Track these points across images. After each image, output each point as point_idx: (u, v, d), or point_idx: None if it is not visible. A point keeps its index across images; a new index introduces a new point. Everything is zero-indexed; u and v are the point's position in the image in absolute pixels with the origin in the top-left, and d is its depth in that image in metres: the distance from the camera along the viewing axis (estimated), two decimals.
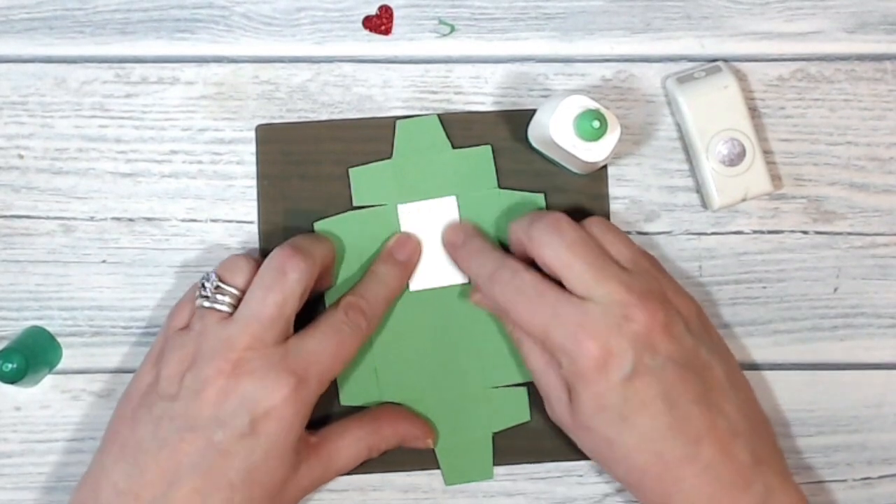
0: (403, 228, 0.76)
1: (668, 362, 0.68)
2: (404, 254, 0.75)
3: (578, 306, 0.68)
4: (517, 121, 0.76)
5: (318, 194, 0.76)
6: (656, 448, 0.67)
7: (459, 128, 0.76)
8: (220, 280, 0.71)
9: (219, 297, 0.70)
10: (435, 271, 0.76)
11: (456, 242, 0.75)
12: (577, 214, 0.76)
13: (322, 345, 0.70)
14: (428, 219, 0.76)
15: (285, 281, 0.69)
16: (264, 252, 0.75)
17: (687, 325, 0.69)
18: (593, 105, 0.71)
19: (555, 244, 0.69)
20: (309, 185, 0.76)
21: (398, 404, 0.76)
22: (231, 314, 0.70)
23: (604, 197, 0.76)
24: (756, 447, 0.68)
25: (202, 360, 0.69)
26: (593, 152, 0.71)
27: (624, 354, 0.67)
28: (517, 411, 0.76)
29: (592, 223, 0.72)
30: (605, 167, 0.76)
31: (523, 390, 0.76)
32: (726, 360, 0.71)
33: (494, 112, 0.77)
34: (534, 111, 0.75)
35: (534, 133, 0.75)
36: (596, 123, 0.70)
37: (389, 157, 0.76)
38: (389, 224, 0.76)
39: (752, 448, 0.68)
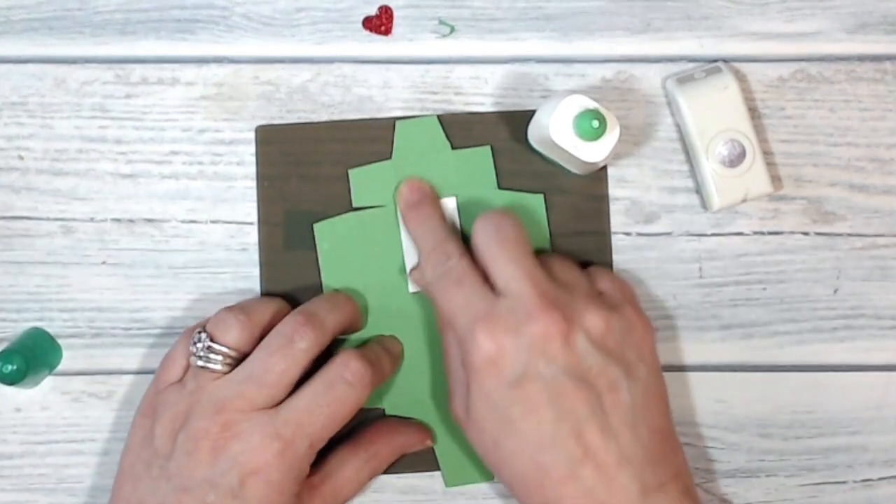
0: (403, 230, 0.75)
1: (563, 373, 0.67)
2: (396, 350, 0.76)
3: (488, 300, 0.68)
4: (517, 121, 0.76)
5: (319, 195, 0.76)
6: (539, 458, 0.67)
7: (459, 128, 0.76)
8: (212, 339, 0.70)
9: (211, 356, 0.70)
10: None
11: (410, 201, 0.75)
12: (578, 215, 0.76)
13: (313, 406, 0.69)
14: None
15: (291, 349, 0.69)
16: (265, 259, 0.76)
17: (595, 340, 0.68)
18: (592, 105, 0.71)
19: (489, 235, 0.70)
20: (309, 185, 0.76)
21: (389, 417, 0.76)
22: (226, 373, 0.70)
23: (603, 198, 0.76)
24: (647, 478, 0.67)
25: (194, 420, 0.69)
26: (593, 152, 0.71)
27: (516, 355, 0.67)
28: None
29: (550, 256, 0.74)
30: (604, 168, 0.76)
31: None
32: (645, 387, 0.69)
33: (494, 112, 0.77)
34: (533, 112, 0.75)
35: (533, 133, 0.75)
36: (595, 123, 0.70)
37: (389, 158, 0.76)
38: (389, 225, 0.76)
39: (641, 478, 0.67)
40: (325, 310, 0.72)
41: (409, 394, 0.76)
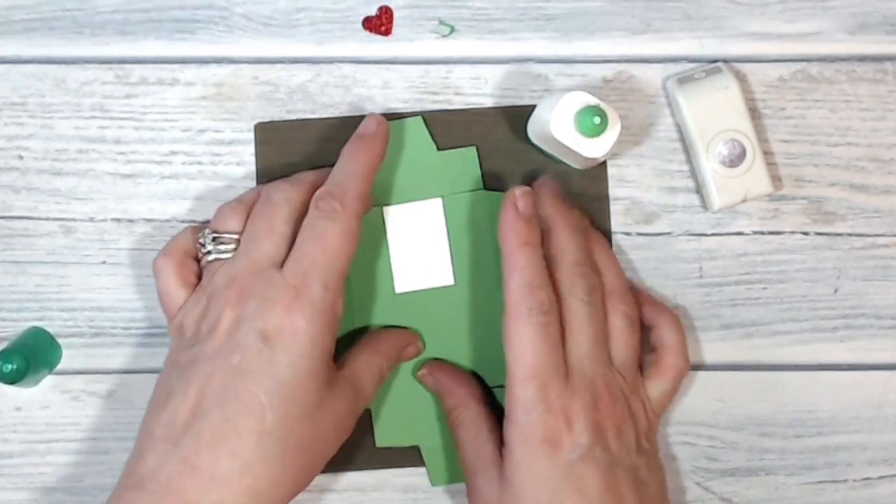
0: (389, 231, 0.76)
1: (615, 462, 0.69)
2: (370, 128, 0.73)
3: (565, 374, 0.70)
4: (515, 117, 0.76)
5: None
6: None
7: (457, 126, 0.76)
8: (215, 231, 0.71)
9: (220, 246, 0.71)
10: (420, 273, 0.76)
11: (520, 232, 0.72)
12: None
13: (306, 247, 0.69)
14: (414, 221, 0.76)
15: (269, 203, 0.70)
16: None
17: (637, 438, 0.71)
18: (594, 101, 0.71)
19: (587, 309, 0.71)
20: None
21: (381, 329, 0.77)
22: None
23: (604, 199, 0.76)
24: None
25: (213, 301, 0.69)
26: (594, 148, 0.71)
27: (581, 435, 0.68)
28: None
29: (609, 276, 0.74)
30: (604, 165, 0.76)
31: None
32: (660, 482, 0.72)
33: (493, 109, 0.76)
34: (532, 107, 0.75)
35: (533, 129, 0.75)
36: (597, 119, 0.70)
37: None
38: (375, 227, 0.76)
39: None
40: (305, 172, 0.74)
41: (398, 395, 0.76)
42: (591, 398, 0.69)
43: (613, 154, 0.77)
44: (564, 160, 0.75)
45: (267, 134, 0.76)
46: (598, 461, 0.68)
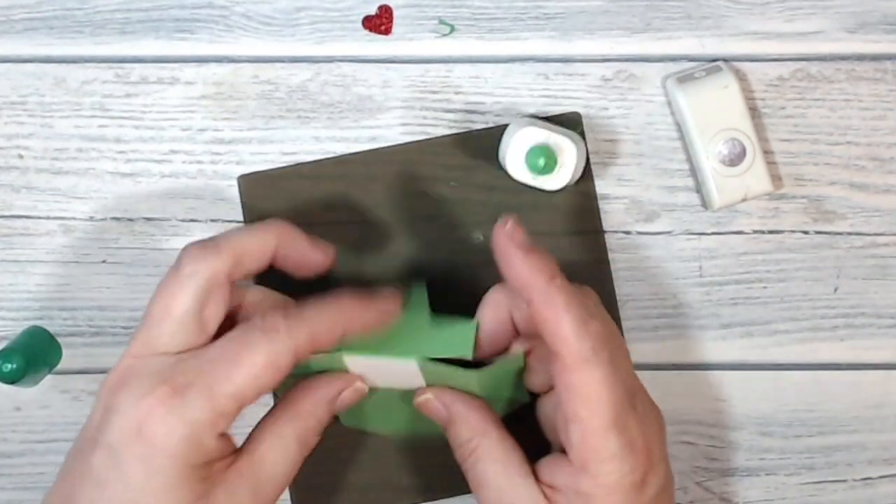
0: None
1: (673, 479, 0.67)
2: (384, 302, 0.67)
3: (633, 407, 0.64)
4: (495, 138, 0.75)
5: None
6: None
7: (441, 153, 0.76)
8: None
9: None
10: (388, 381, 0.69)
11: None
12: (569, 216, 0.76)
13: (219, 352, 0.61)
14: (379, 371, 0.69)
15: (177, 277, 0.63)
16: None
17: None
18: (542, 139, 0.71)
19: (596, 310, 0.65)
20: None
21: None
22: None
23: (592, 196, 0.76)
24: None
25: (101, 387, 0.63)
26: (553, 181, 0.72)
27: (659, 466, 0.64)
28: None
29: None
30: (589, 168, 0.76)
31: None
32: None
33: (473, 132, 0.76)
34: (505, 126, 0.74)
35: (501, 162, 0.74)
36: (541, 161, 0.70)
37: (376, 192, 0.75)
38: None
39: None
40: (230, 234, 0.66)
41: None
42: (654, 421, 0.65)
43: (613, 154, 0.77)
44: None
45: (251, 187, 0.76)
46: (669, 488, 0.65)
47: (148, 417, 0.60)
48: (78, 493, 0.61)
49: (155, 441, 0.60)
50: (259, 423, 0.66)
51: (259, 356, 0.61)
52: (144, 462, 0.60)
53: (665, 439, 0.67)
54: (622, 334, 0.76)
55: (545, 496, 0.63)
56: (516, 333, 0.69)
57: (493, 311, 0.68)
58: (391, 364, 0.67)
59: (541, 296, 0.63)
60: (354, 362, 0.67)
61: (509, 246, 0.64)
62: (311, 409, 0.65)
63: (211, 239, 0.65)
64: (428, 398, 0.67)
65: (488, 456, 0.65)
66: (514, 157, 0.72)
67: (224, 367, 0.61)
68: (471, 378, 0.67)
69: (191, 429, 0.60)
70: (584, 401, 0.62)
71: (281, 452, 0.63)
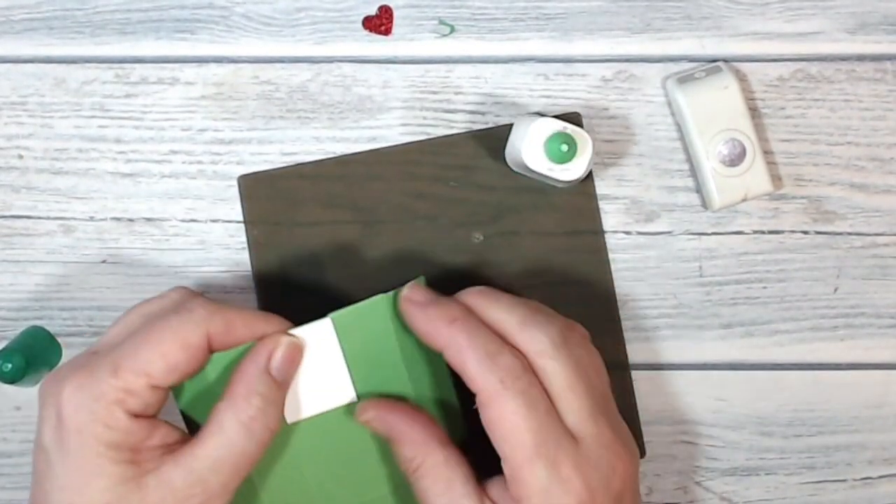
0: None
1: None
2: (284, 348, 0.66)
3: (571, 440, 0.62)
4: (495, 138, 0.76)
5: (310, 239, 0.76)
6: None
7: (441, 153, 0.76)
8: None
9: None
10: (315, 397, 0.67)
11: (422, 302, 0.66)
12: (569, 216, 0.76)
13: (135, 333, 0.63)
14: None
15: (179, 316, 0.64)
16: (261, 306, 0.75)
17: None
18: (561, 127, 0.71)
19: (562, 360, 0.64)
20: (299, 229, 0.76)
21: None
22: None
23: (592, 196, 0.76)
24: None
25: None
26: (570, 172, 0.71)
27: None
28: None
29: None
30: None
31: None
32: None
33: (473, 132, 0.76)
34: (509, 126, 0.74)
35: (510, 157, 0.75)
36: (564, 147, 0.70)
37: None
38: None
39: None
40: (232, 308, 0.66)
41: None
42: (608, 464, 0.63)
43: (613, 154, 0.77)
44: (546, 181, 0.75)
45: (251, 186, 0.76)
46: None
47: (62, 401, 0.60)
48: (32, 497, 0.62)
49: (67, 422, 0.60)
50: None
51: (167, 332, 0.62)
52: (62, 445, 0.60)
53: (624, 484, 0.64)
54: (622, 334, 0.77)
55: None
56: None
57: (436, 322, 0.66)
58: (307, 331, 0.66)
59: (445, 340, 0.63)
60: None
61: (409, 307, 0.65)
62: (246, 388, 0.63)
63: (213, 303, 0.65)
64: (369, 418, 0.66)
65: (431, 474, 0.64)
66: (532, 147, 0.71)
67: (132, 344, 0.62)
68: (374, 307, 0.67)
69: (96, 404, 0.60)
70: (502, 435, 0.62)
71: (222, 440, 0.62)
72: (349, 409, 0.68)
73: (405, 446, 0.65)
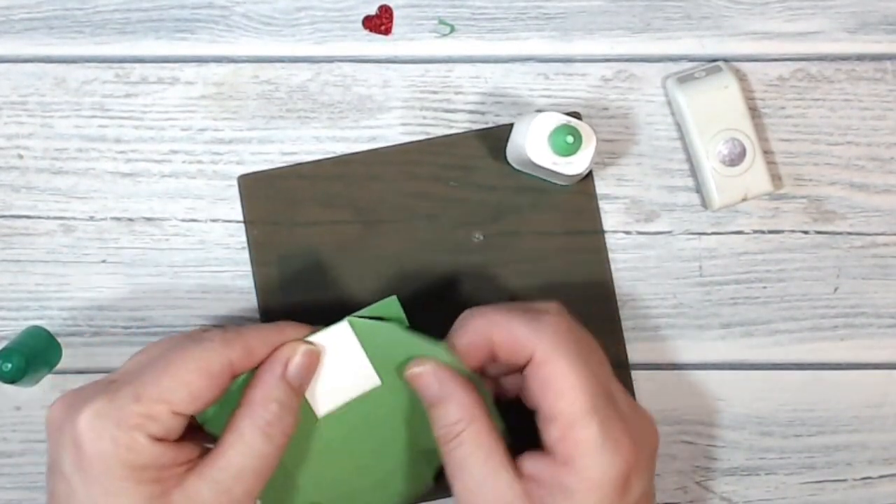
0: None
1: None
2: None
3: (615, 404, 0.63)
4: (495, 137, 0.76)
5: (310, 238, 0.76)
6: None
7: (441, 153, 0.76)
8: None
9: None
10: (341, 388, 0.69)
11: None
12: (569, 215, 0.76)
13: (154, 362, 0.63)
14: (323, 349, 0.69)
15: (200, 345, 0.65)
16: (261, 303, 0.76)
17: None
18: (565, 120, 0.71)
19: (560, 313, 0.66)
20: (299, 228, 0.76)
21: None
22: None
23: (592, 195, 0.76)
24: None
25: None
26: (573, 165, 0.71)
27: (644, 471, 0.63)
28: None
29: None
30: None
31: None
32: None
33: (473, 132, 0.76)
34: (510, 125, 0.74)
35: (512, 154, 0.75)
36: (570, 138, 0.70)
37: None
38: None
39: None
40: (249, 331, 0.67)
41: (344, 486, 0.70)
42: (644, 430, 0.65)
43: (613, 154, 0.77)
44: (548, 179, 0.75)
45: (250, 185, 0.76)
46: (652, 496, 0.64)
47: (80, 428, 0.61)
48: None
49: (88, 448, 0.61)
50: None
51: (190, 362, 0.63)
52: (84, 470, 0.61)
53: (654, 456, 0.66)
54: (622, 334, 0.77)
55: (524, 490, 0.63)
56: (492, 359, 0.68)
57: (469, 335, 0.67)
58: (331, 346, 0.67)
59: (489, 319, 0.65)
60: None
61: (463, 337, 0.66)
62: (263, 395, 0.64)
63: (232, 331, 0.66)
64: (423, 370, 0.66)
65: (473, 441, 0.64)
66: (536, 141, 0.71)
67: (153, 372, 0.62)
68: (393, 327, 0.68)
69: (118, 429, 0.61)
70: (557, 392, 0.62)
71: (242, 448, 0.63)
72: (375, 394, 0.68)
73: (451, 407, 0.65)
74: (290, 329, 0.67)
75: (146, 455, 0.61)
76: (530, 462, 0.64)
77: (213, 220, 0.77)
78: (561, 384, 0.62)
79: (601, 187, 0.77)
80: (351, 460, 0.69)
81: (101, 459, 0.60)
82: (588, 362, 0.64)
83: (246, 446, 0.63)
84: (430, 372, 0.66)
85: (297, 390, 0.66)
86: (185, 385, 0.62)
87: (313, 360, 0.66)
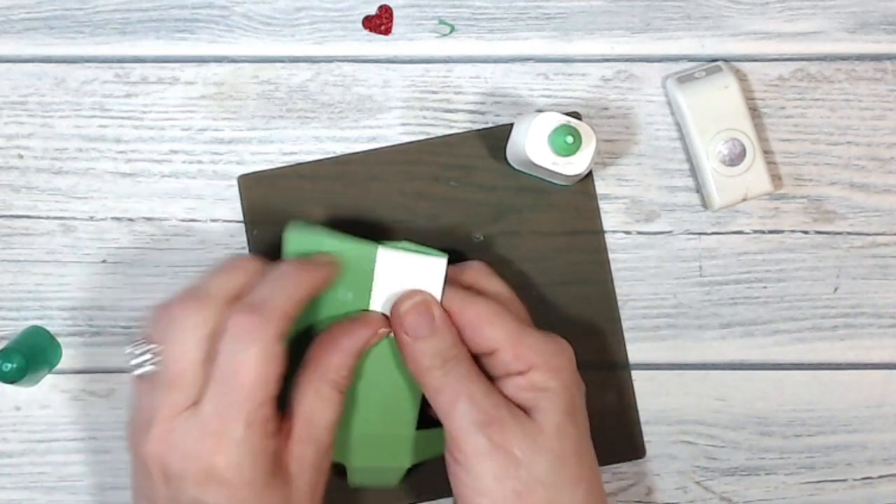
0: (378, 275, 0.70)
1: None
2: (320, 260, 0.69)
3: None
4: (495, 137, 0.76)
5: None
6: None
7: (441, 153, 0.76)
8: (143, 339, 0.66)
9: (138, 356, 0.65)
10: None
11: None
12: (569, 215, 0.76)
13: (224, 379, 0.63)
14: (408, 274, 0.70)
15: (176, 330, 0.64)
16: None
17: None
18: (565, 120, 0.71)
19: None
20: None
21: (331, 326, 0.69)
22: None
23: (592, 196, 0.76)
24: None
25: (134, 442, 0.65)
26: (574, 166, 0.71)
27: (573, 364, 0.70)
28: (436, 447, 0.72)
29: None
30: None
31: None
32: None
33: (473, 132, 0.76)
34: (510, 125, 0.74)
35: (512, 154, 0.75)
36: (570, 139, 0.70)
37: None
38: (363, 266, 0.70)
39: None
40: (213, 279, 0.66)
41: (364, 437, 0.72)
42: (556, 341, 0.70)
43: (613, 154, 0.77)
44: (548, 179, 0.75)
45: (250, 185, 0.76)
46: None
47: (214, 459, 0.63)
48: None
49: (223, 486, 0.63)
50: (295, 386, 0.67)
51: (257, 365, 0.63)
52: (228, 487, 0.63)
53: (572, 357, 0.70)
54: (622, 334, 0.77)
55: (509, 401, 0.67)
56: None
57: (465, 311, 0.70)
58: (420, 261, 0.69)
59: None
60: (385, 257, 0.69)
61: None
62: (339, 361, 0.67)
63: (196, 287, 0.66)
64: (422, 300, 0.69)
65: (467, 360, 0.68)
66: (536, 141, 0.71)
67: (238, 394, 0.63)
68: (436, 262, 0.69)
69: (247, 462, 0.63)
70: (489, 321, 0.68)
71: (324, 406, 0.66)
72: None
73: (447, 335, 0.68)
74: (311, 279, 0.68)
75: (269, 453, 0.64)
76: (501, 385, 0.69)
77: (213, 220, 0.77)
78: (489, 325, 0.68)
79: (601, 187, 0.77)
80: (361, 394, 0.71)
81: (241, 471, 0.63)
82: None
83: (330, 403, 0.66)
84: (431, 302, 0.69)
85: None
86: (267, 381, 0.64)
87: (384, 335, 0.69)
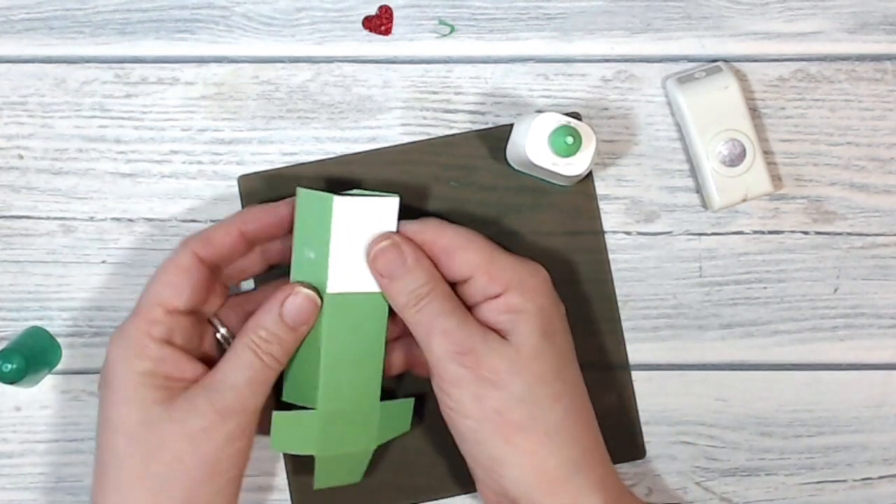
0: (335, 224, 0.70)
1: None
2: (279, 205, 0.73)
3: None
4: (495, 137, 0.76)
5: None
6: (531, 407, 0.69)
7: (441, 153, 0.76)
8: None
9: None
10: (358, 275, 0.71)
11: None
12: (569, 216, 0.76)
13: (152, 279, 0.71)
14: (364, 218, 0.71)
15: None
16: None
17: None
18: (565, 121, 0.71)
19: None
20: None
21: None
22: None
23: (592, 196, 0.76)
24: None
25: None
26: (574, 166, 0.71)
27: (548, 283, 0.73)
28: (401, 423, 0.75)
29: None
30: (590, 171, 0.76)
31: (409, 402, 0.75)
32: None
33: (473, 132, 0.76)
34: (510, 125, 0.74)
35: (512, 155, 0.75)
36: (570, 139, 0.70)
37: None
38: (322, 216, 0.70)
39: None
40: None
41: (307, 393, 0.72)
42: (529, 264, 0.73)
43: (613, 154, 0.77)
44: (548, 179, 0.75)
45: (250, 186, 0.76)
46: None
47: (107, 353, 0.70)
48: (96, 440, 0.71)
49: (108, 364, 0.69)
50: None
51: (165, 266, 0.70)
52: (106, 383, 0.69)
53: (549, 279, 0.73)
54: (622, 335, 0.77)
55: (486, 329, 0.70)
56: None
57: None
58: (373, 203, 0.70)
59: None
60: (342, 204, 0.70)
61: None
62: (256, 321, 0.70)
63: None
64: (392, 242, 0.71)
65: (442, 295, 0.70)
66: (536, 142, 0.71)
67: (146, 288, 0.71)
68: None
69: (127, 340, 0.69)
70: (467, 259, 0.71)
71: (235, 362, 0.70)
72: (378, 299, 0.72)
73: (419, 273, 0.70)
74: (251, 213, 0.72)
75: (153, 359, 0.69)
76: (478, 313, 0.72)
77: (213, 220, 0.77)
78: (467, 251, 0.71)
79: (601, 187, 0.77)
80: (333, 353, 0.71)
81: (116, 370, 0.69)
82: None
83: (240, 360, 0.70)
84: (400, 242, 0.71)
85: (293, 329, 0.70)
86: (165, 284, 0.70)
87: (310, 305, 0.70)
